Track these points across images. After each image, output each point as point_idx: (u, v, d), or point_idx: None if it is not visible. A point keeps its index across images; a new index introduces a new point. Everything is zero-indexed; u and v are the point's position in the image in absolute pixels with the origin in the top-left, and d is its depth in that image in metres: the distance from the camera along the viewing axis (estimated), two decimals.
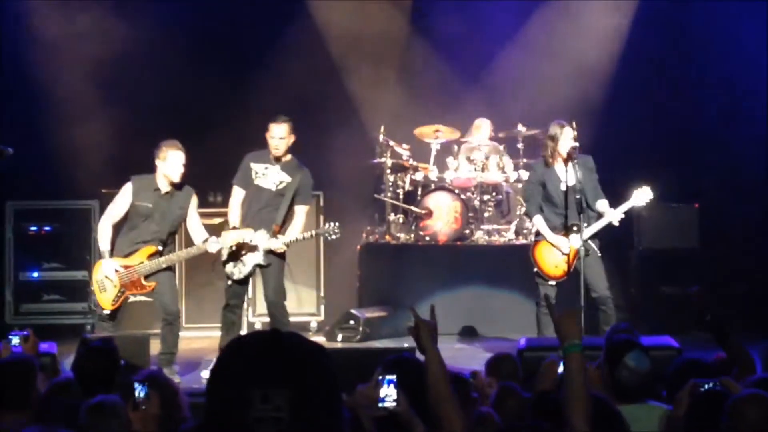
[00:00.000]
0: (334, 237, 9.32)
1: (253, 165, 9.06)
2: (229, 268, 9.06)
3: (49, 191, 11.78)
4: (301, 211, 9.13)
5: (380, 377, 4.01)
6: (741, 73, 12.41)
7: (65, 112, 12.09)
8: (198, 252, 8.91)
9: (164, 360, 8.84)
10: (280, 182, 9.06)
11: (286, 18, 12.83)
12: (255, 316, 11.55)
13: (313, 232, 9.31)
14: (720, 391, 4.46)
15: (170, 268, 8.95)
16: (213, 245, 8.82)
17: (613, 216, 9.04)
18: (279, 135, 8.98)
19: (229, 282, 9.12)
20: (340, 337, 10.89)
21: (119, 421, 4.42)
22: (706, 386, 4.51)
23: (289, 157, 9.16)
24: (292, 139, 9.10)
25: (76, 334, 9.24)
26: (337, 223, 9.27)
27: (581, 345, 3.77)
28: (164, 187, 8.84)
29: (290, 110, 12.41)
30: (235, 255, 8.99)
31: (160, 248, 8.84)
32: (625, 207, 9.16)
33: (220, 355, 2.19)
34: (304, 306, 11.79)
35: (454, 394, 3.67)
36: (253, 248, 8.97)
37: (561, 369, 5.07)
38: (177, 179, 8.80)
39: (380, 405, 3.95)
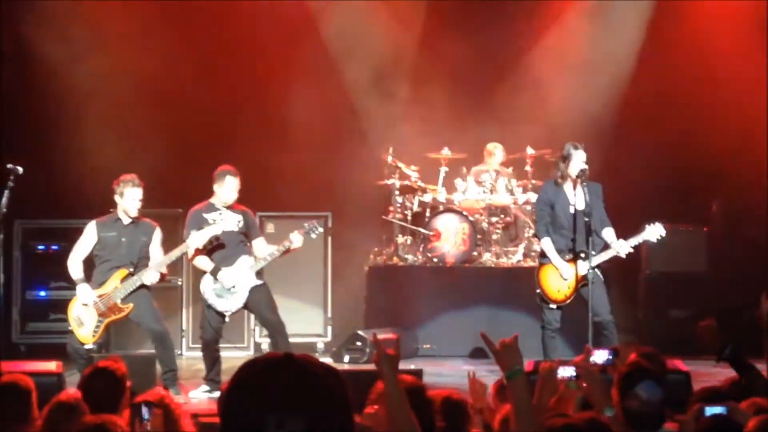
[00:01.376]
0: (316, 233, 9.53)
1: (206, 216, 9.23)
2: (222, 305, 9.18)
3: (57, 210, 11.80)
4: (261, 242, 9.41)
5: None
6: (753, 99, 12.40)
7: (74, 132, 12.12)
8: (175, 257, 9.03)
9: (168, 380, 8.86)
10: (239, 222, 9.27)
11: (294, 40, 12.86)
12: (262, 337, 11.53)
13: (303, 236, 9.37)
14: (727, 416, 4.41)
15: (146, 287, 9.02)
16: (192, 241, 8.95)
17: (622, 248, 9.01)
18: (237, 188, 9.26)
19: (214, 324, 9.25)
20: (347, 358, 10.87)
21: None
22: (711, 411, 4.46)
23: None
24: None
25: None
26: (315, 222, 9.47)
27: (522, 369, 3.79)
28: (126, 220, 9.05)
29: (300, 132, 12.57)
30: (221, 292, 9.12)
31: (131, 270, 8.95)
32: (635, 241, 9.13)
33: (235, 379, 2.16)
34: (311, 327, 11.78)
35: (412, 421, 3.63)
36: (241, 274, 9.14)
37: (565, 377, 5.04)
38: (134, 214, 9.01)
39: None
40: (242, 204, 9.40)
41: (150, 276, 8.92)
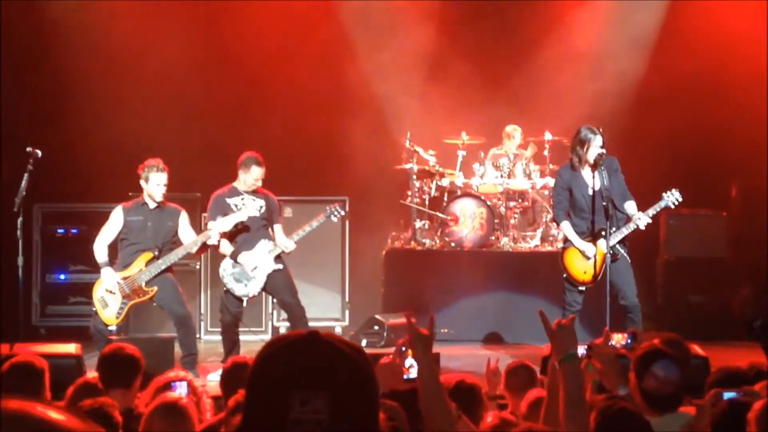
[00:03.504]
0: (338, 216, 9.58)
1: (229, 200, 9.30)
2: (241, 290, 9.25)
3: (76, 194, 11.85)
4: (279, 230, 9.44)
5: (403, 347, 3.95)
6: None
7: (93, 115, 12.16)
8: (196, 245, 9.06)
9: (188, 363, 8.92)
10: (261, 207, 9.34)
11: (312, 24, 12.85)
12: (280, 321, 11.57)
13: (321, 219, 9.41)
14: (744, 400, 4.40)
15: (170, 270, 9.13)
16: (213, 233, 9.00)
17: (640, 220, 8.97)
18: (262, 176, 9.29)
19: (232, 308, 9.33)
20: (364, 342, 10.88)
21: (187, 421, 4.43)
22: (728, 396, 4.46)
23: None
24: None
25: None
26: (337, 206, 9.53)
27: (577, 354, 3.70)
28: (151, 204, 9.14)
29: (316, 116, 12.57)
30: (240, 276, 9.16)
31: (157, 254, 9.04)
32: (653, 210, 9.08)
33: (259, 356, 2.16)
34: (328, 311, 11.80)
35: (447, 405, 3.53)
36: (261, 258, 9.20)
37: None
38: (159, 198, 9.10)
39: (405, 378, 3.89)
40: (262, 188, 9.44)
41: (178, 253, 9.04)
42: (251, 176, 9.26)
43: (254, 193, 9.36)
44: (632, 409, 4.06)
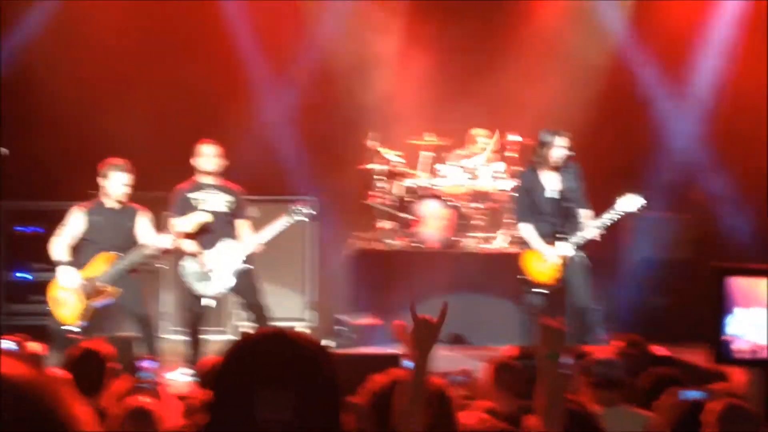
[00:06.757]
0: (301, 216, 9.40)
1: (191, 195, 9.22)
2: (202, 289, 9.20)
3: (40, 192, 11.76)
4: (246, 227, 9.36)
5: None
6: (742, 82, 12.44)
7: (57, 113, 12.08)
8: (152, 249, 8.99)
9: None
10: (227, 202, 9.26)
11: (277, 21, 12.83)
12: (240, 321, 11.52)
13: (283, 220, 9.32)
14: (703, 401, 4.44)
15: (134, 271, 9.06)
16: (164, 238, 8.96)
17: (590, 231, 9.04)
18: (214, 153, 9.25)
19: (194, 308, 9.30)
20: (329, 343, 10.88)
21: (154, 424, 4.45)
22: (688, 395, 4.50)
23: (219, 179, 9.34)
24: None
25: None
26: (299, 206, 9.38)
27: (559, 354, 3.60)
28: (110, 204, 9.02)
29: (282, 116, 12.55)
30: (200, 275, 9.11)
31: (118, 254, 8.97)
32: (608, 217, 9.13)
33: (226, 355, 2.17)
34: (291, 311, 11.78)
35: (425, 410, 3.34)
36: (226, 258, 9.14)
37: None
38: (120, 197, 8.98)
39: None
40: (229, 181, 9.39)
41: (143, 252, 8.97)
42: (201, 157, 9.21)
43: (220, 187, 9.31)
44: (573, 407, 4.09)
